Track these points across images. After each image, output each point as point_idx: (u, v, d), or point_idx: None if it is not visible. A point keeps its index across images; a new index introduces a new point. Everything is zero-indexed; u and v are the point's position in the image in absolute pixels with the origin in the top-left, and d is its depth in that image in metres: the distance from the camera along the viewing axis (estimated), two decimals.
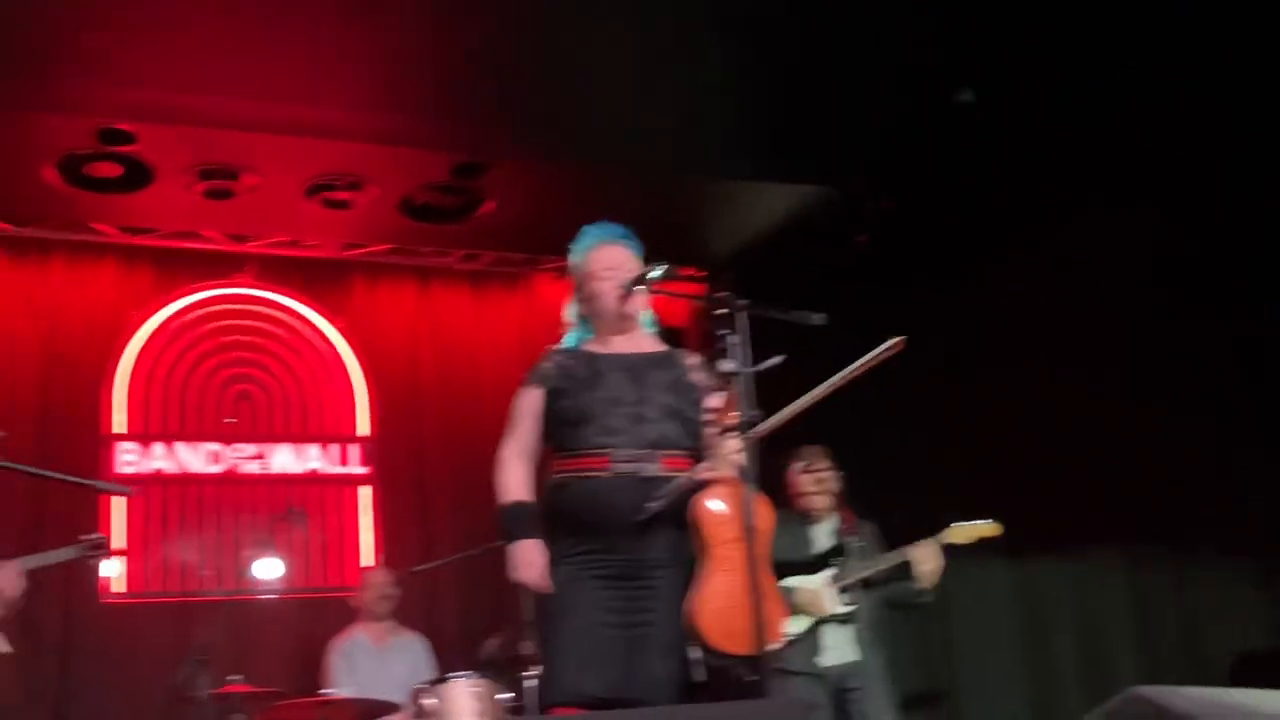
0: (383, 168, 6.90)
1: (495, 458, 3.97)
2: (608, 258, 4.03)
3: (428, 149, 6.76)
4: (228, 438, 7.69)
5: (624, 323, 4.03)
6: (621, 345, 4.02)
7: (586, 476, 3.81)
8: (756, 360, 3.47)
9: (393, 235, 7.83)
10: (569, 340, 4.11)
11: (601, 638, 3.69)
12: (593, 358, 3.99)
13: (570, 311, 4.15)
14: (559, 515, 3.85)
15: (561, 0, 5.92)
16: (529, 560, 3.79)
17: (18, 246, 7.47)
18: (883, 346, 3.59)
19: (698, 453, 3.89)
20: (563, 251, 4.19)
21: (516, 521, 3.87)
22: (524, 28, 5.86)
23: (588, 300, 4.06)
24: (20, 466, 4.85)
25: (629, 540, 3.75)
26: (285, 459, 7.82)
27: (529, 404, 3.98)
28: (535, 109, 6.35)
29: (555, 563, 3.80)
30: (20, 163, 6.50)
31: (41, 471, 5.51)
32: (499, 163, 6.88)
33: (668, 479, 3.78)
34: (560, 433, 3.92)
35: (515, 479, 3.92)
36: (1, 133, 6.24)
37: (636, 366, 3.96)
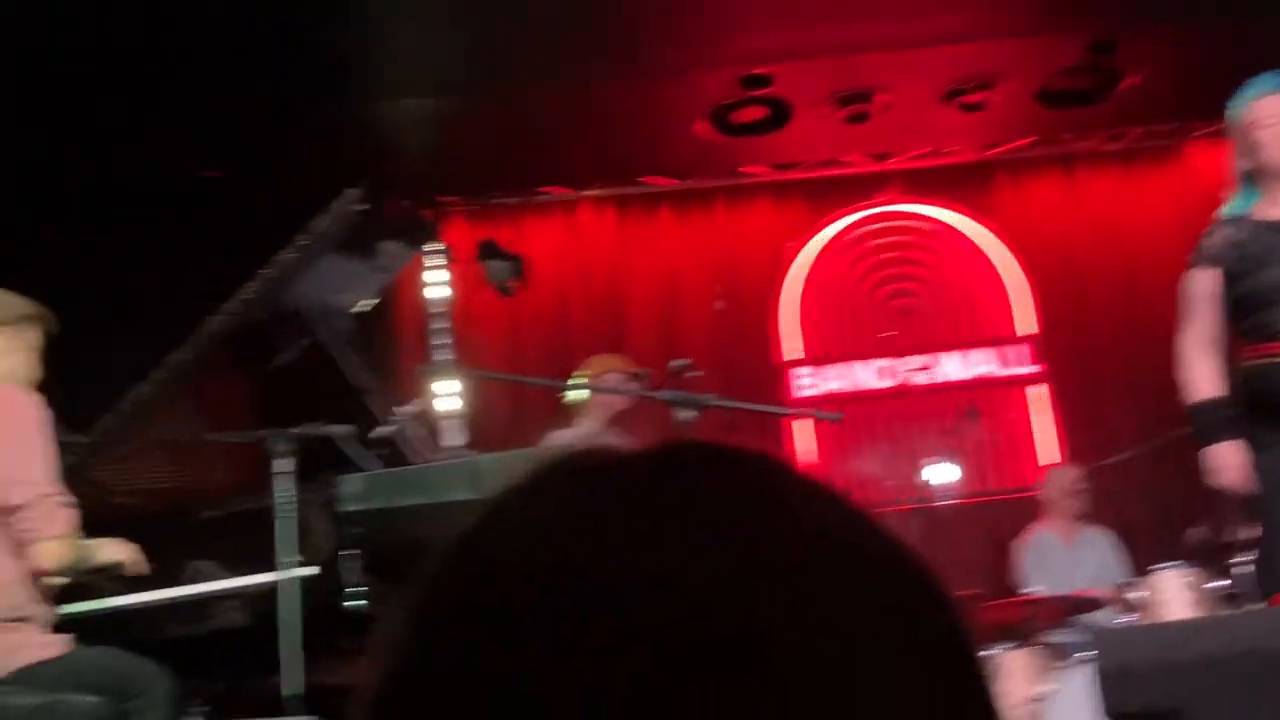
0: (1014, 61, 6.79)
1: (1175, 350, 3.80)
2: (1273, 105, 3.71)
3: (1058, 33, 6.56)
4: (896, 351, 7.90)
5: None
6: None
7: None
8: None
9: (1032, 128, 7.69)
10: (1235, 207, 3.82)
11: None
12: (1266, 227, 3.69)
13: (1234, 174, 3.86)
14: (1260, 405, 3.63)
15: None
16: (1228, 463, 3.62)
17: (682, 199, 8.15)
18: None
19: None
20: (1216, 115, 3.92)
21: (1209, 422, 3.69)
22: None
23: (1252, 154, 3.75)
24: (745, 404, 5.16)
25: None
26: (953, 366, 7.93)
27: (1203, 287, 3.76)
28: None
29: (1264, 449, 3.60)
30: (677, 121, 7.08)
31: (763, 407, 5.95)
32: (1135, 34, 6.52)
33: None
34: (1244, 317, 3.69)
35: (1202, 374, 3.73)
36: (660, 96, 6.86)
37: None
